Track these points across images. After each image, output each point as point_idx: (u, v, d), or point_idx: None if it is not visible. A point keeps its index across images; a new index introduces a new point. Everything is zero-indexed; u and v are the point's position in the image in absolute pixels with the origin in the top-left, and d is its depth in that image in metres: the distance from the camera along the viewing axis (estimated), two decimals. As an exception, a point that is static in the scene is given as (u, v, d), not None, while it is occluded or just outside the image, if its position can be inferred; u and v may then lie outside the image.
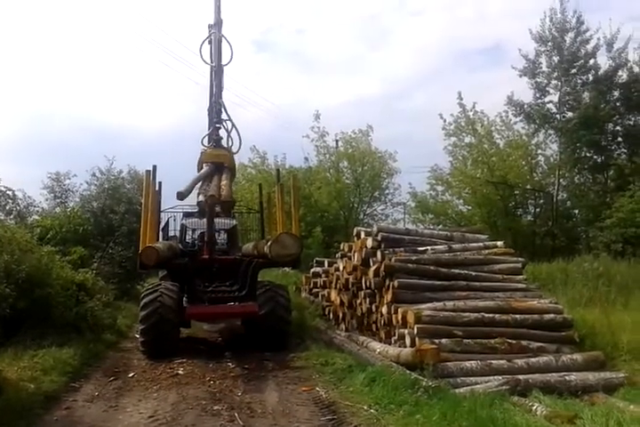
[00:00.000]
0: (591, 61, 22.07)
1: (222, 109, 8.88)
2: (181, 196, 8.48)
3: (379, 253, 9.72)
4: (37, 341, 8.53)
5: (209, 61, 9.18)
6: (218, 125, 8.72)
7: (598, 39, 21.84)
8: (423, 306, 8.41)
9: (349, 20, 65.41)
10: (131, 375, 8.08)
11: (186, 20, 61.19)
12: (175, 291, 9.72)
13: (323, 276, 13.73)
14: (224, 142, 9.75)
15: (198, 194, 9.00)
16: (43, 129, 53.62)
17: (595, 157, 22.78)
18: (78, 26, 66.80)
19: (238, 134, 8.78)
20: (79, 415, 6.20)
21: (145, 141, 57.78)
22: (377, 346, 8.62)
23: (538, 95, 22.90)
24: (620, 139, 22.50)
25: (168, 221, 13.72)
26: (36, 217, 18.36)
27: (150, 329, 9.21)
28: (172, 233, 13.75)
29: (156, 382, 7.69)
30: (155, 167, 11.06)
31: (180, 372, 8.25)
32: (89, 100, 62.43)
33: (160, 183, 11.59)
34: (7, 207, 16.80)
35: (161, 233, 12.55)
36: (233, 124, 8.74)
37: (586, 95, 22.27)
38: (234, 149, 8.77)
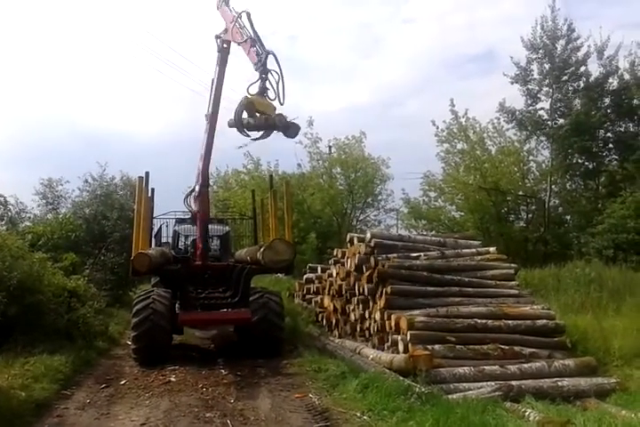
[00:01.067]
0: (582, 68, 22.31)
1: (273, 58, 8.82)
2: (233, 123, 8.47)
3: (372, 260, 9.73)
4: (28, 348, 8.47)
5: (241, 38, 9.35)
6: (264, 76, 8.75)
7: (589, 47, 22.14)
8: (416, 312, 8.42)
9: (342, 28, 65.76)
10: (123, 383, 8.03)
11: (178, 27, 61.43)
12: (167, 297, 9.69)
13: (316, 282, 13.72)
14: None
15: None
16: (35, 135, 53.45)
17: (586, 163, 22.96)
18: (71, 32, 66.85)
19: (284, 87, 8.75)
20: (70, 423, 6.17)
21: (137, 147, 57.63)
22: (370, 352, 8.62)
23: (529, 102, 23.08)
24: (611, 145, 22.71)
25: (160, 227, 13.71)
26: (28, 223, 18.31)
27: (142, 336, 9.17)
28: (164, 239, 13.74)
29: (149, 389, 7.65)
30: (147, 174, 11.06)
31: (173, 379, 8.21)
32: (81, 105, 62.37)
33: (153, 189, 11.58)
34: (-1, 213, 16.74)
35: (153, 239, 12.53)
36: (281, 76, 8.72)
37: (577, 102, 22.50)
38: (276, 103, 8.74)
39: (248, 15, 9.49)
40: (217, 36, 10.23)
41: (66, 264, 13.28)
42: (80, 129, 55.53)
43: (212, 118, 10.21)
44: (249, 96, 8.48)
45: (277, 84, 8.61)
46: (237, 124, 8.43)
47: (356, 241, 10.83)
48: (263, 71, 8.83)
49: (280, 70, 8.67)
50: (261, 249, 9.80)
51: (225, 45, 10.19)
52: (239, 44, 9.58)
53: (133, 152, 49.72)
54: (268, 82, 8.75)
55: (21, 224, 18.24)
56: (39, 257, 10.87)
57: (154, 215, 12.31)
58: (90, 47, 68.48)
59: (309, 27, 67.73)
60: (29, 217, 19.20)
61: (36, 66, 60.62)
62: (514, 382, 6.86)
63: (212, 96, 10.28)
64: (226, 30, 10.06)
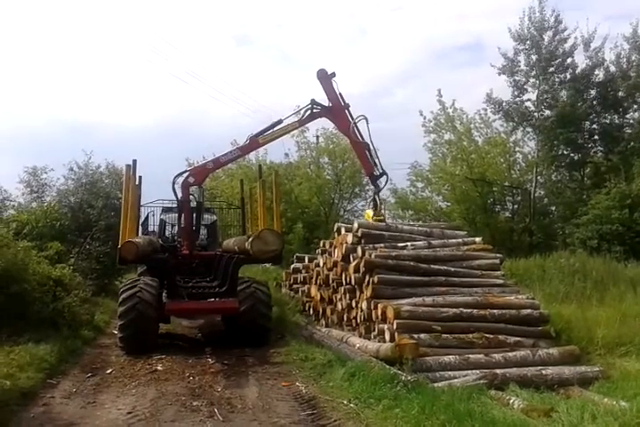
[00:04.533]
0: (569, 60, 22.44)
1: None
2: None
3: (359, 249, 9.74)
4: (13, 337, 8.41)
5: None
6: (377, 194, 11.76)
7: (576, 38, 22.26)
8: (402, 301, 8.46)
9: (329, 16, 65.39)
10: (109, 372, 8.01)
11: (169, 17, 60.70)
12: (154, 286, 9.65)
13: (303, 272, 13.73)
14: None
15: None
16: (19, 123, 52.83)
17: (571, 154, 23.12)
18: (56, 21, 65.80)
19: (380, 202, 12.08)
20: (56, 412, 6.14)
21: (123, 137, 57.27)
22: (357, 341, 8.65)
23: (516, 93, 23.17)
24: (596, 137, 22.89)
25: (147, 215, 13.65)
26: (12, 212, 18.09)
27: (129, 325, 9.14)
28: (150, 228, 13.68)
29: (135, 378, 7.64)
30: (135, 161, 10.96)
31: (159, 368, 8.20)
32: (68, 95, 61.85)
33: (140, 177, 11.49)
34: (-17, 201, 16.54)
35: (140, 228, 12.47)
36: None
37: (563, 94, 22.59)
38: None
39: (366, 120, 11.23)
40: (314, 103, 11.15)
41: (51, 253, 13.13)
42: (65, 119, 55.02)
43: (258, 145, 11.33)
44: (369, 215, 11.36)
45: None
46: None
47: (343, 231, 10.84)
48: (377, 189, 11.60)
49: (384, 185, 11.83)
50: (250, 239, 9.78)
51: (319, 115, 11.31)
52: (346, 135, 11.54)
53: (119, 142, 49.45)
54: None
55: (5, 212, 18.05)
56: (24, 246, 10.77)
57: (141, 204, 12.24)
58: (78, 37, 67.57)
59: (297, 15, 67.33)
60: (13, 205, 18.98)
61: (18, 54, 59.76)
62: (498, 371, 6.92)
63: (273, 134, 11.04)
64: (329, 110, 11.24)
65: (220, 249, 11.93)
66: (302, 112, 11.19)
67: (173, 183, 10.71)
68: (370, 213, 11.51)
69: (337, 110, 11.19)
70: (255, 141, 10.95)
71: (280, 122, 10.99)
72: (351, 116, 11.28)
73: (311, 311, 12.27)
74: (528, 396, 6.19)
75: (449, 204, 25.00)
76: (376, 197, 11.62)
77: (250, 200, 13.50)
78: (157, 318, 9.66)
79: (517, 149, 24.80)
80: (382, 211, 11.60)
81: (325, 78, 11.15)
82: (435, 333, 7.80)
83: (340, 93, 11.17)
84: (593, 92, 22.34)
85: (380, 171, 11.38)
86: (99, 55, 64.91)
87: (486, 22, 55.53)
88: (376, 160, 11.36)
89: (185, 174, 10.72)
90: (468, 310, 8.27)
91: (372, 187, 12.29)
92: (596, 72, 22.20)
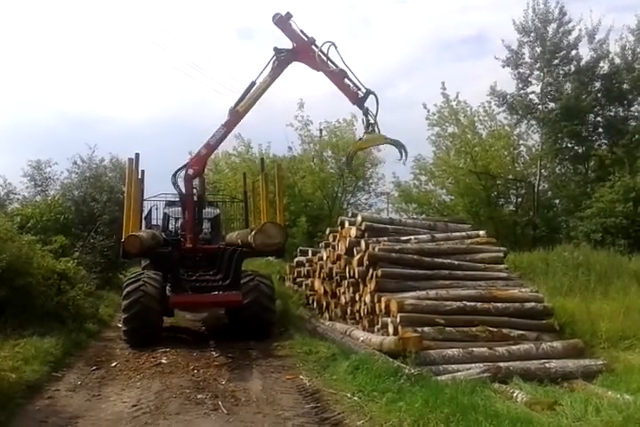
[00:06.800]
0: (573, 52, 22.35)
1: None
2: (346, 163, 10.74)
3: (362, 243, 9.75)
4: (18, 330, 8.46)
5: None
6: (366, 113, 10.56)
7: (580, 30, 22.13)
8: (406, 295, 8.46)
9: (332, 7, 65.08)
10: (113, 365, 8.05)
11: (171, 11, 60.51)
12: (158, 280, 9.68)
13: (306, 265, 13.75)
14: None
15: None
16: (22, 117, 52.87)
17: (576, 147, 23.03)
18: (60, 15, 65.63)
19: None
20: (61, 405, 6.18)
21: (127, 132, 57.28)
22: (360, 334, 8.66)
23: (520, 86, 23.08)
24: (600, 130, 22.79)
25: (150, 209, 13.65)
26: (17, 205, 18.17)
27: (133, 318, 9.18)
28: (153, 222, 13.68)
29: (140, 371, 7.67)
30: (137, 155, 10.96)
31: (164, 361, 8.23)
32: (72, 89, 61.79)
33: (143, 171, 11.48)
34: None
35: (143, 222, 12.47)
36: (377, 111, 10.57)
37: (567, 86, 22.50)
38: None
39: (334, 46, 10.48)
40: (278, 50, 10.59)
41: (55, 247, 13.21)
42: (68, 112, 55.09)
43: (239, 115, 10.65)
44: (362, 138, 10.76)
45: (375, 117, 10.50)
46: (349, 166, 11.19)
47: (346, 224, 10.84)
48: (364, 110, 10.61)
49: (377, 106, 10.57)
50: (253, 232, 9.78)
51: (286, 61, 10.67)
52: (319, 70, 10.58)
53: (122, 135, 49.43)
54: (369, 115, 10.54)
55: (10, 206, 18.13)
56: (28, 239, 10.80)
57: (144, 197, 12.23)
58: (79, 30, 67.43)
59: (299, 8, 66.93)
60: (18, 199, 19.08)
61: (21, 48, 59.70)
62: (502, 364, 6.92)
63: (250, 98, 10.62)
64: (295, 51, 10.61)
65: (223, 242, 11.93)
66: (270, 65, 10.67)
67: (173, 179, 10.66)
68: (365, 138, 10.98)
69: (302, 48, 10.64)
70: (235, 112, 10.60)
71: (254, 84, 10.64)
72: (317, 47, 10.67)
73: (315, 305, 12.29)
74: (532, 389, 6.19)
75: (452, 197, 24.93)
76: (368, 117, 10.76)
77: (253, 194, 13.49)
78: (161, 312, 9.69)
79: (521, 141, 24.72)
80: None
81: (282, 21, 10.63)
82: (438, 326, 7.80)
83: (301, 30, 10.68)
84: (597, 85, 22.23)
85: (364, 91, 10.68)
86: (102, 49, 64.83)
87: (490, 14, 55.15)
88: (357, 83, 10.71)
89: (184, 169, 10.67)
90: (472, 304, 8.27)
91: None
92: (601, 64, 22.09)
